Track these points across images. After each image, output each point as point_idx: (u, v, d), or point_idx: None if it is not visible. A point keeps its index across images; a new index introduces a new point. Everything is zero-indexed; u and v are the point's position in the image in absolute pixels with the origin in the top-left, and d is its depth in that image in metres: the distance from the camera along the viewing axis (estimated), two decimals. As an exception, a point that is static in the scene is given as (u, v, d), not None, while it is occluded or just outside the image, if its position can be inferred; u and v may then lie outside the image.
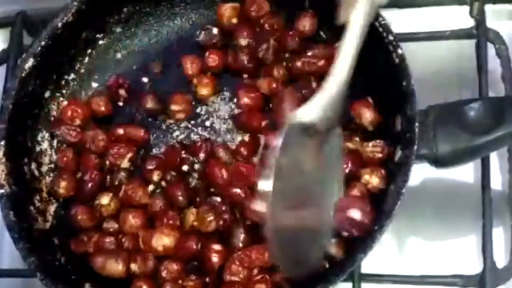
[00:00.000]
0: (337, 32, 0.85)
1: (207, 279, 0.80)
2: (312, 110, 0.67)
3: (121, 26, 0.93)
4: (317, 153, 0.70)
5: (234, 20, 0.90)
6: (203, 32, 0.91)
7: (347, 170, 0.78)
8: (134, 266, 0.80)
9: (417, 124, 0.73)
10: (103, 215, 0.83)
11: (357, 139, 0.81)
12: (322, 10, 0.87)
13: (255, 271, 0.78)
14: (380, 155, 0.79)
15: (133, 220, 0.82)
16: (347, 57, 0.71)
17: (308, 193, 0.70)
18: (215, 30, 0.91)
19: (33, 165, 0.86)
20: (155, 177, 0.85)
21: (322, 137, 0.70)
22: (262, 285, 0.77)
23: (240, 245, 0.79)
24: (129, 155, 0.86)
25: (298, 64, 0.86)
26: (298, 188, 0.68)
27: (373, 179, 0.78)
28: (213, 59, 0.89)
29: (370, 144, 0.80)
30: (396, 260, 0.85)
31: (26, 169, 0.85)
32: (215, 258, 0.78)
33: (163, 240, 0.79)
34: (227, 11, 0.90)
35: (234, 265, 0.77)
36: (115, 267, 0.80)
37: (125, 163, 0.86)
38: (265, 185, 0.63)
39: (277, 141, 0.64)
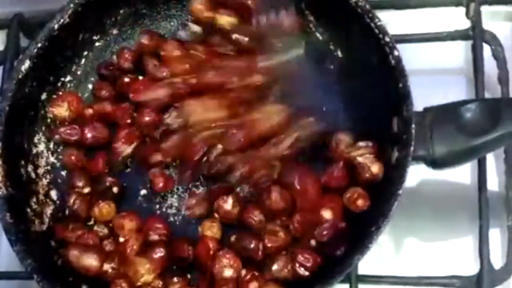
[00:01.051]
0: (333, 33, 0.86)
1: (189, 276, 0.81)
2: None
3: (117, 28, 0.93)
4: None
5: (209, 14, 0.89)
6: (183, 30, 0.90)
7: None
8: (107, 266, 0.80)
9: (413, 125, 0.74)
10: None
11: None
12: (319, 12, 0.88)
13: (244, 271, 0.78)
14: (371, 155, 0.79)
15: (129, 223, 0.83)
16: None
17: None
18: (195, 27, 0.90)
19: (30, 167, 0.86)
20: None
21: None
22: (254, 283, 0.77)
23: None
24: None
25: None
26: None
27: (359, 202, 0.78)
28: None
29: (360, 148, 0.80)
30: (393, 261, 0.85)
31: (22, 171, 0.85)
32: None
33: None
34: (198, 7, 0.89)
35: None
36: (90, 262, 0.80)
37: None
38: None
39: None
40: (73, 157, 0.87)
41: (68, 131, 0.87)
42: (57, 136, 0.88)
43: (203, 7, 0.89)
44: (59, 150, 0.89)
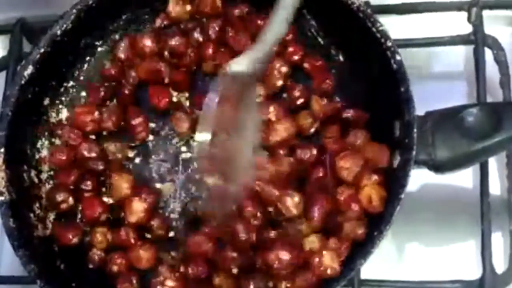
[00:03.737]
0: (335, 37, 0.86)
1: None
2: (246, 62, 0.68)
3: (120, 33, 0.93)
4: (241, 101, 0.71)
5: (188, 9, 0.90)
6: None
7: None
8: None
9: (415, 129, 0.74)
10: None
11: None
12: (320, 16, 0.88)
13: None
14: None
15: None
16: (281, 18, 0.69)
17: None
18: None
19: (33, 173, 0.86)
20: None
21: (246, 87, 0.71)
22: None
23: None
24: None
25: None
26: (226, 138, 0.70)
27: (357, 230, 0.76)
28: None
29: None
30: (396, 265, 0.85)
31: (25, 177, 0.85)
32: None
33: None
34: (175, 8, 0.90)
35: None
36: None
37: None
38: (202, 136, 0.66)
39: (214, 92, 0.67)
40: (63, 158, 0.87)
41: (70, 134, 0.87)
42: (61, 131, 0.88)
43: (179, 6, 0.90)
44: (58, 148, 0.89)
